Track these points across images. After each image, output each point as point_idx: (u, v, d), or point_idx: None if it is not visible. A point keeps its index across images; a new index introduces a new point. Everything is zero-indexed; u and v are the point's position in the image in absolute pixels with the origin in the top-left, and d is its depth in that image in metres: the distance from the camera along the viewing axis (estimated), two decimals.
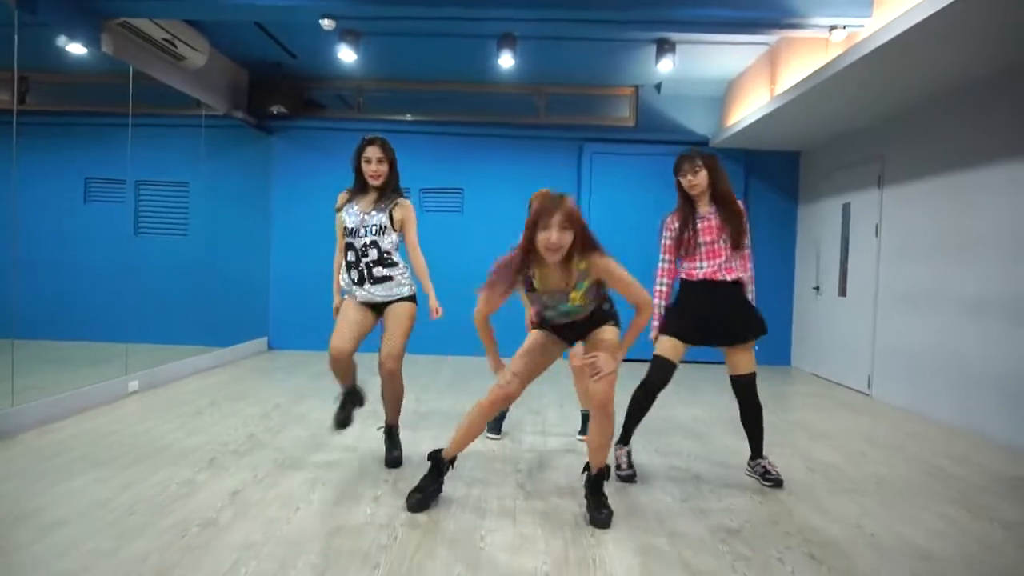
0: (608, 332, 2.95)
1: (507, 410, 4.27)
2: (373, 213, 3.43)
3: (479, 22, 4.95)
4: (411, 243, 3.52)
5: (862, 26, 4.55)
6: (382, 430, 3.69)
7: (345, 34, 5.84)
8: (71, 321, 6.15)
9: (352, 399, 3.66)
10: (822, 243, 7.16)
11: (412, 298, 3.52)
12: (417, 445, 3.91)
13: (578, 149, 7.62)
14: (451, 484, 3.30)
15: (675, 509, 3.09)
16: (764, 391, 6.21)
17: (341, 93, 7.89)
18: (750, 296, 3.49)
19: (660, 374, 3.43)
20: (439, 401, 5.28)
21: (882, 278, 5.99)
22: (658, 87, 7.61)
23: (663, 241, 3.52)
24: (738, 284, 3.43)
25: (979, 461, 4.04)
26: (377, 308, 3.49)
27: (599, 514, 2.86)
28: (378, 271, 3.43)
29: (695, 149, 3.48)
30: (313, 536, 2.65)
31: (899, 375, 5.66)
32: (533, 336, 3.06)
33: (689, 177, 3.40)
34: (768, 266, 7.83)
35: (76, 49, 4.96)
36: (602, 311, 2.98)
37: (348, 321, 3.41)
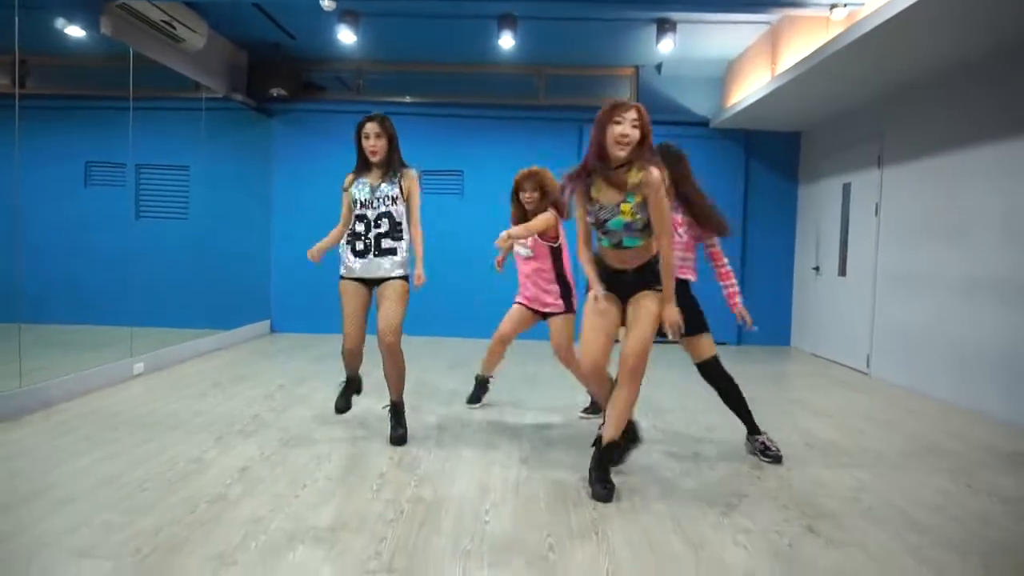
0: (650, 299, 2.95)
1: (489, 381, 4.56)
2: (383, 185, 3.58)
3: (479, 1, 4.93)
4: (413, 212, 3.65)
5: (863, 4, 4.55)
6: (387, 408, 3.77)
7: (344, 15, 5.83)
8: (75, 305, 6.18)
9: (352, 385, 3.91)
10: (822, 223, 7.17)
11: (406, 279, 3.65)
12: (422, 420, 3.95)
13: (579, 130, 7.61)
14: (453, 461, 3.35)
15: (675, 483, 3.13)
16: (764, 371, 6.38)
17: (341, 75, 7.87)
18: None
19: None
20: (442, 381, 5.33)
21: (881, 258, 6.02)
22: (658, 67, 7.59)
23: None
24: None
25: (977, 437, 4.09)
26: (369, 285, 3.65)
27: (603, 488, 2.90)
28: (386, 243, 3.57)
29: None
30: (320, 511, 2.69)
31: (897, 354, 5.70)
32: (590, 306, 3.03)
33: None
34: (768, 247, 7.86)
35: (75, 31, 4.95)
36: (653, 270, 2.97)
37: (352, 316, 3.63)
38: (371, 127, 3.57)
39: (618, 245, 2.96)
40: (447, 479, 3.11)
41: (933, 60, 4.86)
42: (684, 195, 3.39)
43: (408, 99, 7.76)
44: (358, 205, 3.58)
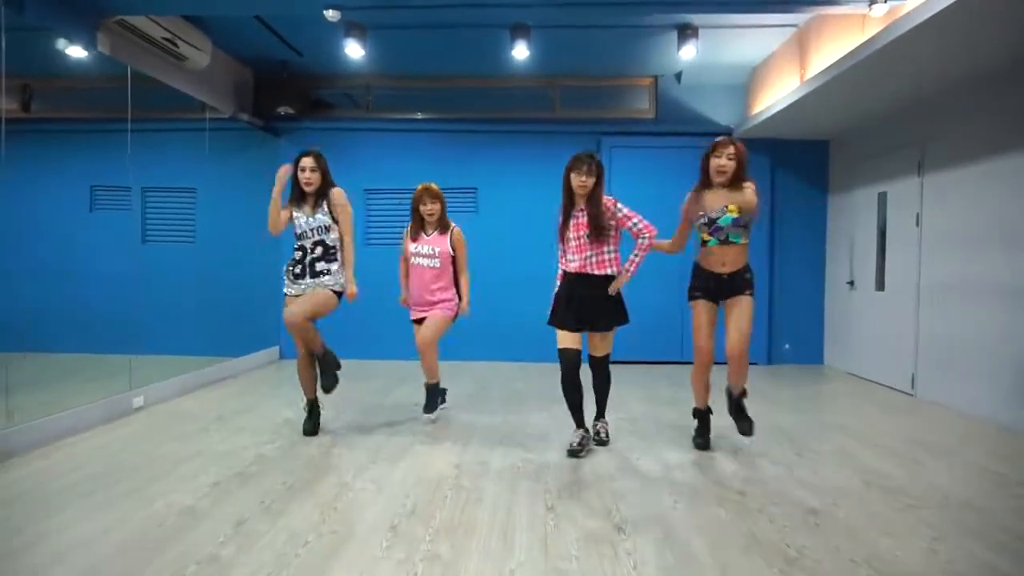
0: (745, 302, 3.78)
1: (446, 392, 4.89)
2: (316, 216, 4.12)
3: (491, 9, 4.66)
4: (345, 232, 4.18)
5: (905, 0, 4.21)
6: (304, 405, 4.31)
7: (351, 28, 5.59)
8: (78, 333, 5.95)
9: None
10: (856, 235, 6.80)
11: (337, 294, 4.15)
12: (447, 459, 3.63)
13: (596, 143, 7.31)
14: (472, 509, 3.03)
15: (725, 531, 2.79)
16: (800, 393, 6.00)
17: (349, 92, 7.64)
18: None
19: (564, 362, 3.87)
20: (459, 413, 5.01)
21: (924, 270, 5.64)
22: (678, 76, 7.29)
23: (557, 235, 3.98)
24: (609, 278, 3.84)
25: None
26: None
27: (745, 423, 3.90)
28: (320, 266, 4.11)
29: (589, 151, 3.84)
30: (324, 573, 2.38)
31: (946, 373, 5.31)
32: (696, 310, 3.88)
33: (584, 178, 3.72)
34: (798, 260, 7.50)
35: (73, 51, 4.74)
36: (746, 277, 3.81)
37: (294, 302, 4.13)
38: (307, 161, 4.07)
39: (725, 232, 3.73)
40: (466, 530, 2.79)
41: (981, 58, 4.52)
42: (598, 196, 3.79)
43: (419, 115, 7.50)
44: (297, 235, 4.15)
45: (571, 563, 2.49)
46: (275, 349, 7.52)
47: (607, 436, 4.13)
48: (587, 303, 3.83)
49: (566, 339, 3.86)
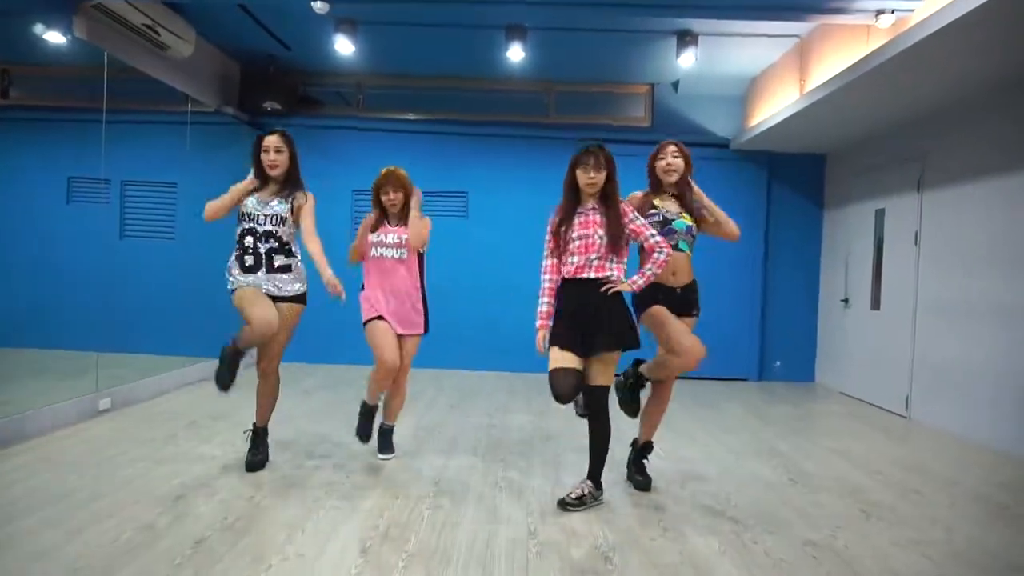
0: (691, 324, 3.45)
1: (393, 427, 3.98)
2: (274, 202, 3.45)
3: (486, 7, 4.52)
4: (307, 228, 3.49)
5: (912, 10, 4.10)
6: (248, 433, 3.66)
7: (341, 23, 5.41)
8: (51, 329, 5.74)
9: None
10: (852, 252, 6.68)
11: (303, 298, 3.58)
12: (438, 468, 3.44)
13: None
14: (449, 532, 2.85)
15: (720, 564, 2.61)
16: (793, 412, 5.85)
17: (340, 90, 7.45)
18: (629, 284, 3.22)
19: (562, 384, 3.12)
20: (441, 426, 4.83)
21: (922, 289, 5.51)
22: (675, 85, 7.16)
23: (546, 236, 3.31)
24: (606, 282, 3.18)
25: None
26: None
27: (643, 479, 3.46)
28: (279, 260, 3.46)
29: (599, 143, 3.26)
30: None
31: (942, 396, 5.18)
32: (661, 314, 3.36)
33: (592, 174, 3.18)
34: (791, 276, 7.37)
35: (50, 35, 4.53)
36: (695, 292, 3.49)
37: (256, 297, 3.42)
38: (273, 140, 3.45)
39: (679, 237, 3.37)
40: (442, 557, 2.60)
41: (991, 70, 4.39)
42: (611, 192, 3.25)
43: (411, 116, 7.32)
44: (246, 218, 3.43)
45: None
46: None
47: (576, 502, 3.16)
48: (588, 314, 3.13)
49: (557, 357, 3.13)
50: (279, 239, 3.46)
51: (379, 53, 6.39)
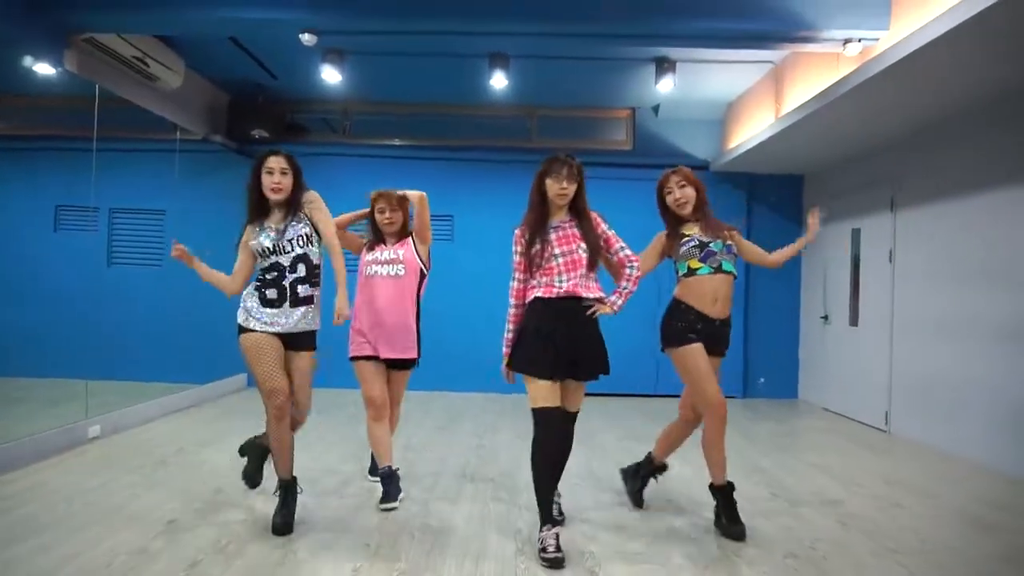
0: (717, 363, 3.29)
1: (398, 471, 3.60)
2: (291, 226, 3.13)
3: (470, 37, 4.64)
4: (329, 236, 3.20)
5: (877, 40, 4.27)
6: (278, 492, 3.17)
7: (328, 53, 5.53)
8: (37, 357, 5.75)
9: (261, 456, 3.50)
10: (830, 270, 6.84)
11: (314, 338, 3.27)
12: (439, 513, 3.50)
13: None
14: (439, 552, 2.90)
15: None
16: (776, 428, 5.95)
17: (326, 116, 7.57)
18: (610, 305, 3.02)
19: (544, 427, 2.92)
20: (429, 447, 4.88)
21: (898, 306, 5.66)
22: (656, 109, 7.34)
23: (514, 258, 3.07)
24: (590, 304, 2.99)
25: (1020, 506, 3.68)
26: (279, 336, 3.13)
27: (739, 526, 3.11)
28: (303, 290, 3.14)
29: (570, 154, 3.09)
30: None
31: (919, 410, 5.30)
32: (692, 354, 3.18)
33: (564, 184, 2.98)
34: (772, 294, 7.51)
35: (39, 68, 4.61)
36: (730, 326, 3.32)
37: (272, 356, 3.08)
38: (276, 161, 3.14)
39: (719, 259, 3.22)
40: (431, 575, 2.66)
41: (953, 97, 4.58)
42: (582, 207, 3.08)
43: (397, 142, 7.45)
44: (266, 254, 3.11)
45: None
46: (242, 376, 7.31)
47: (559, 553, 2.81)
48: (571, 339, 2.91)
49: (544, 393, 2.88)
50: (308, 263, 3.14)
51: (365, 81, 6.52)
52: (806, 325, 7.39)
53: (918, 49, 3.77)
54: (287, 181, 3.14)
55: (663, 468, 3.60)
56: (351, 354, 3.54)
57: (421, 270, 3.61)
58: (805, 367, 7.40)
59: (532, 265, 3.00)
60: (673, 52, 5.67)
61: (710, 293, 3.17)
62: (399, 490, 3.52)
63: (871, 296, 6.09)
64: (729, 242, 3.27)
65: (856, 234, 6.38)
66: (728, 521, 3.15)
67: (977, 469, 4.49)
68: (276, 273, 3.10)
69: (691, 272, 3.21)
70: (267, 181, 3.12)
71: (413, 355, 3.57)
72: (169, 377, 6.22)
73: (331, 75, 5.70)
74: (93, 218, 6.23)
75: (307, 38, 4.42)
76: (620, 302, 3.01)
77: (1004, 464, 4.38)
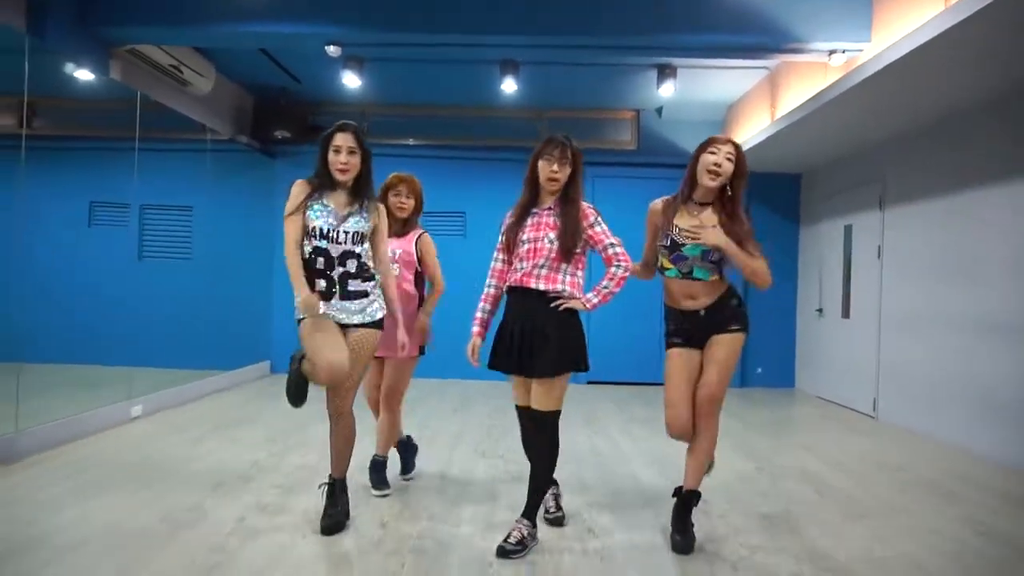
0: (724, 343, 2.93)
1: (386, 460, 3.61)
2: (352, 219, 2.94)
3: (481, 48, 5.01)
4: (381, 252, 3.09)
5: (861, 51, 4.60)
6: (323, 487, 3.05)
7: (349, 60, 5.89)
8: (76, 345, 6.13)
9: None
10: (824, 265, 7.18)
11: (382, 323, 3.06)
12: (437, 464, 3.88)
13: None
14: (458, 509, 3.28)
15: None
16: (770, 416, 6.31)
17: (345, 118, 7.93)
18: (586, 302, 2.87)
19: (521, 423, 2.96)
20: (445, 425, 5.27)
21: (885, 300, 6.00)
22: (659, 111, 7.68)
23: (499, 239, 3.10)
24: (556, 297, 2.83)
25: (990, 482, 4.02)
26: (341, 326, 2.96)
27: (682, 538, 2.84)
28: (354, 284, 2.95)
29: (568, 136, 2.94)
30: (321, 562, 2.63)
31: (905, 397, 5.64)
32: (669, 360, 2.99)
33: (555, 167, 2.85)
34: (771, 288, 7.82)
35: (85, 76, 5.01)
36: (731, 306, 2.96)
37: (331, 331, 2.88)
38: (345, 138, 2.89)
39: (693, 262, 2.89)
40: (449, 529, 3.04)
41: (932, 103, 4.91)
42: (574, 196, 2.94)
43: (412, 141, 7.83)
44: (317, 234, 2.91)
45: None
46: (265, 364, 7.73)
47: (518, 547, 2.72)
48: (523, 333, 2.81)
49: (515, 389, 2.94)
50: (359, 261, 2.96)
51: (383, 85, 6.90)
52: (802, 318, 7.73)
53: (897, 60, 4.09)
54: (354, 161, 2.91)
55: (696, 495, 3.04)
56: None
57: (417, 270, 3.68)
58: (801, 358, 7.74)
59: (509, 250, 3.01)
60: (674, 59, 6.00)
61: (680, 292, 2.94)
62: (385, 482, 3.55)
63: (861, 290, 6.42)
64: (717, 253, 2.88)
65: (848, 230, 6.71)
66: (673, 529, 2.92)
67: (957, 451, 4.82)
68: (323, 260, 2.91)
69: (663, 270, 3.00)
70: (334, 160, 2.90)
71: (399, 353, 3.25)
72: (197, 364, 6.60)
73: (351, 80, 6.06)
74: (124, 214, 6.61)
75: (332, 50, 4.80)
76: (595, 300, 2.85)
77: (979, 446, 4.72)
